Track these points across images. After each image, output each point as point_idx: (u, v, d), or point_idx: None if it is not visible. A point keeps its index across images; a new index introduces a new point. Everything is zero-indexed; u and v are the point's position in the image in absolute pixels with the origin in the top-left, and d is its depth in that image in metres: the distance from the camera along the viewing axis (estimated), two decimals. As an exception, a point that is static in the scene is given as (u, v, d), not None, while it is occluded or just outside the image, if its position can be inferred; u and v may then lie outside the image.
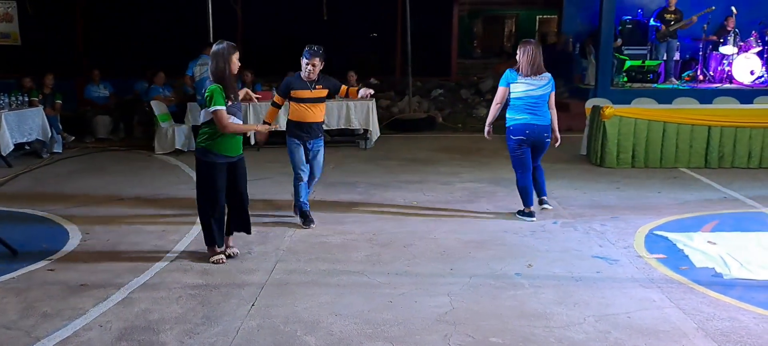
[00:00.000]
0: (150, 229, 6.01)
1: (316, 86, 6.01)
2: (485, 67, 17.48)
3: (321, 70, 6.00)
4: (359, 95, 6.26)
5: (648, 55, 13.32)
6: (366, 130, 10.55)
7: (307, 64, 5.90)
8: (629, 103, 10.23)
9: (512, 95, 6.06)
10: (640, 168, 8.69)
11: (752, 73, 12.50)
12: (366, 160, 9.54)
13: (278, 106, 6.14)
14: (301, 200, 6.17)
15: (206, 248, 5.14)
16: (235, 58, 4.88)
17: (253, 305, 4.26)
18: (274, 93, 6.48)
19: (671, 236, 5.68)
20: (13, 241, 5.28)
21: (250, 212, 5.29)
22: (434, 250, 5.38)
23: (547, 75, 6.05)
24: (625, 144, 8.73)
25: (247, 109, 9.61)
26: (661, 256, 5.20)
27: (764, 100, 10.62)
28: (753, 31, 12.80)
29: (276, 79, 10.75)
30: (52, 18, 14.20)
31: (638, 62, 12.73)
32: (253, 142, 9.32)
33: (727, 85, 12.49)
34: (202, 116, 4.94)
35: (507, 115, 6.17)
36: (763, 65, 12.60)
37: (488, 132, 6.44)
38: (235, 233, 5.29)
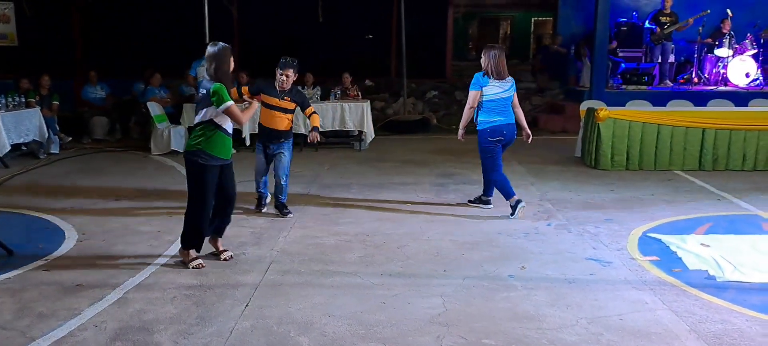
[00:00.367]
0: (145, 230, 6.02)
1: (285, 97, 6.24)
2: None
3: (295, 83, 6.30)
4: (309, 130, 6.44)
5: (643, 58, 13.38)
6: (361, 132, 10.59)
7: (281, 74, 6.16)
8: (624, 105, 10.26)
9: (485, 98, 6.36)
10: (635, 170, 8.72)
11: (747, 75, 12.56)
12: (360, 161, 9.57)
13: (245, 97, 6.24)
14: (259, 190, 6.60)
15: (182, 250, 5.06)
16: (231, 59, 4.89)
17: (247, 305, 4.28)
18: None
19: (665, 238, 5.70)
20: (9, 241, 5.29)
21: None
22: (428, 251, 5.40)
23: (511, 78, 6.45)
24: (619, 146, 8.75)
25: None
26: (654, 258, 5.21)
27: (759, 102, 10.66)
28: (748, 34, 12.88)
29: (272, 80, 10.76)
30: (49, 19, 14.21)
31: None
32: (247, 143, 9.32)
33: (723, 88, 12.56)
34: (201, 116, 4.86)
35: (480, 118, 6.44)
36: (758, 68, 12.67)
37: (461, 135, 6.69)
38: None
